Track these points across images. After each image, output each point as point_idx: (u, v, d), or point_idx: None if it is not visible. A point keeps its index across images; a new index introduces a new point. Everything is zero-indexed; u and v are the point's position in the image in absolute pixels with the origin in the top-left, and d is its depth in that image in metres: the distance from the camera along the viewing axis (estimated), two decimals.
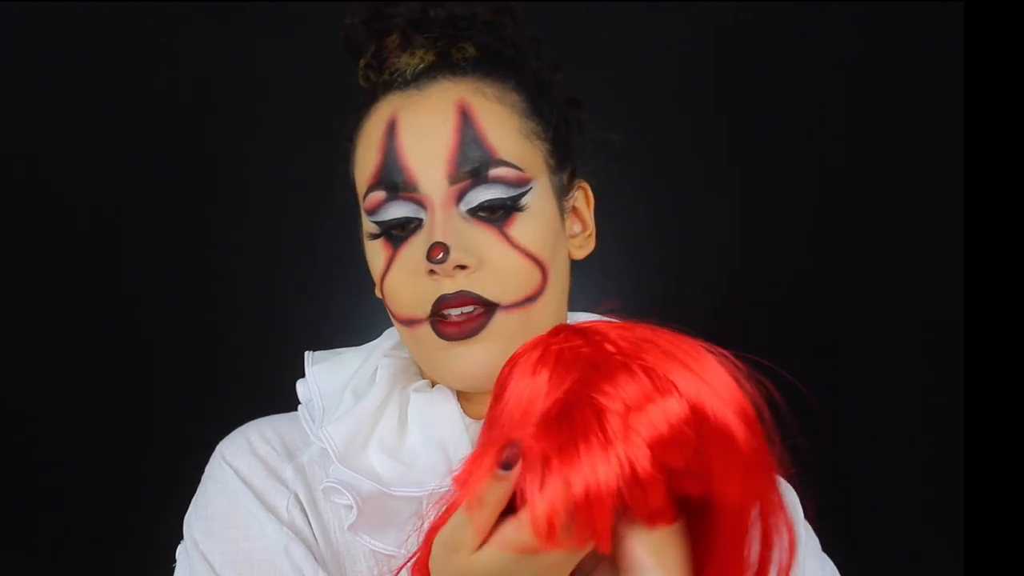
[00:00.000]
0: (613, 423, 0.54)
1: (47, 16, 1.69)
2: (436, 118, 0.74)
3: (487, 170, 0.73)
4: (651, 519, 0.57)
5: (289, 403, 0.86)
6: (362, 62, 0.81)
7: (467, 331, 0.73)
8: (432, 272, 0.73)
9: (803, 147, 1.67)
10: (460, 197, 0.73)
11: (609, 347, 0.57)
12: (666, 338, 0.58)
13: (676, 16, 1.67)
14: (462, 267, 0.72)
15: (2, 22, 1.69)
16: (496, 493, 0.53)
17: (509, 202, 0.74)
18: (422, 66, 0.77)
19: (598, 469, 0.53)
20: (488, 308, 0.73)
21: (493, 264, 0.73)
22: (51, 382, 1.74)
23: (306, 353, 0.85)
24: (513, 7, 0.81)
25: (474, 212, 0.74)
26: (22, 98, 1.71)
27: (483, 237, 0.73)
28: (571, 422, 0.54)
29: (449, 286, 0.72)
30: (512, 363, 0.60)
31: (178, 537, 0.80)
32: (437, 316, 0.73)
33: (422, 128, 0.74)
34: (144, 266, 1.74)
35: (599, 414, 0.54)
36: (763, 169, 1.67)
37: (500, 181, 0.73)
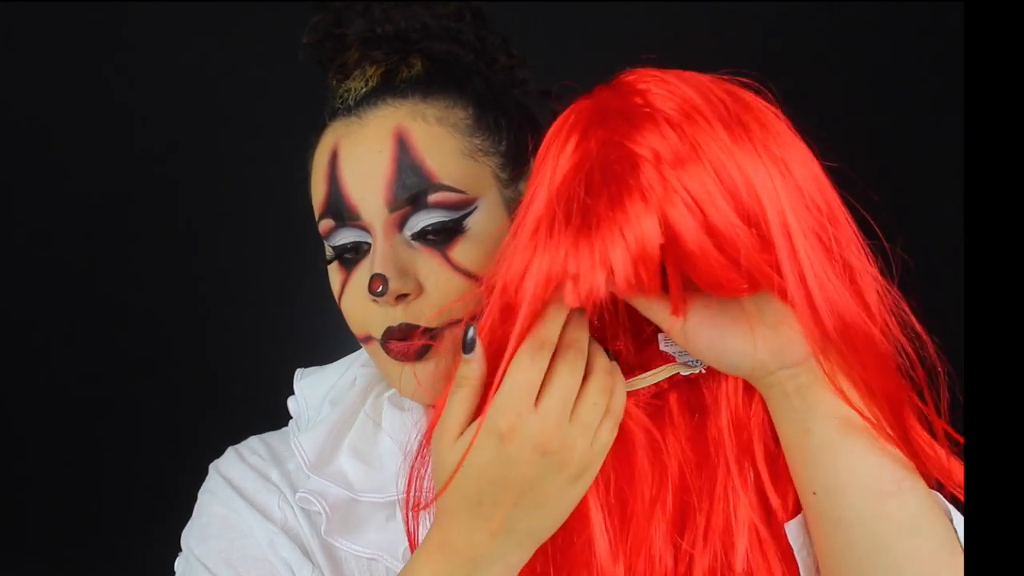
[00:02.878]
0: (647, 175, 0.54)
1: (38, 16, 1.69)
2: (373, 147, 0.74)
3: (426, 196, 0.73)
4: (712, 287, 0.56)
5: (285, 419, 0.88)
6: (329, 75, 0.81)
7: (411, 355, 0.74)
8: (375, 301, 0.74)
9: (815, 151, 1.66)
10: (402, 223, 0.74)
11: (638, 100, 0.56)
12: (727, 98, 0.57)
13: (678, 17, 1.67)
14: (403, 295, 0.73)
15: None
16: (467, 373, 0.58)
17: (451, 224, 0.74)
18: (364, 90, 0.77)
19: (640, 224, 0.53)
20: (428, 334, 0.74)
21: (434, 289, 0.74)
22: (51, 387, 1.74)
23: (296, 371, 0.88)
24: (476, 7, 0.81)
25: (417, 237, 0.74)
26: (15, 101, 1.71)
27: (425, 262, 0.74)
28: (610, 175, 0.54)
29: (393, 316, 0.74)
30: (548, 139, 0.60)
31: (175, 540, 0.81)
32: (385, 340, 0.75)
33: (360, 158, 0.75)
34: (137, 277, 1.74)
35: (634, 165, 0.54)
36: None
37: (440, 205, 0.74)
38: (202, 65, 1.71)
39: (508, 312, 0.59)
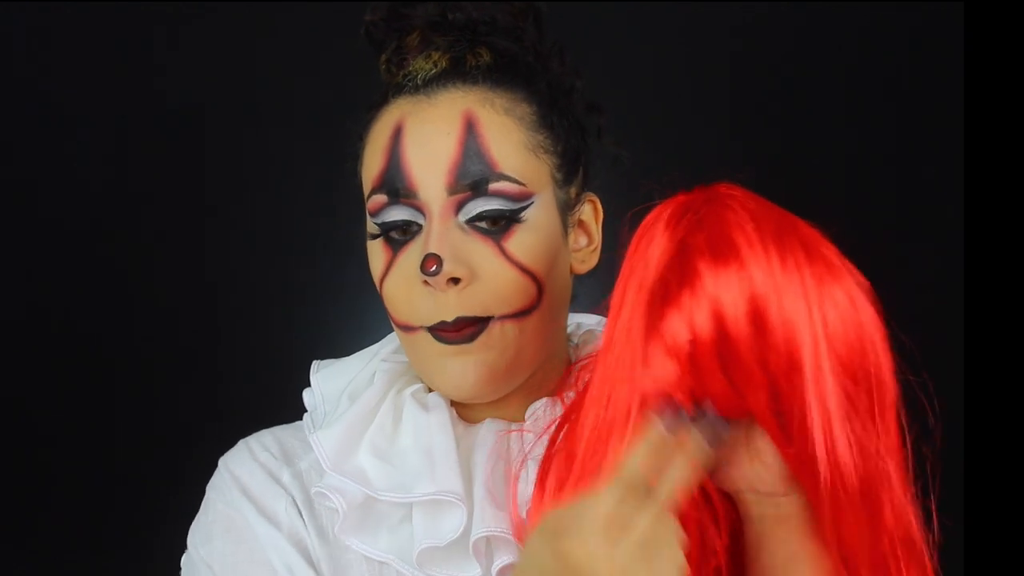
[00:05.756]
0: (695, 288, 0.56)
1: (42, 17, 1.69)
2: (442, 127, 0.74)
3: (487, 183, 0.73)
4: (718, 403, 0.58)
5: (294, 412, 0.86)
6: (383, 57, 0.81)
7: (462, 336, 0.74)
8: (426, 282, 0.73)
9: (817, 152, 1.66)
10: (459, 208, 0.74)
11: (730, 216, 0.59)
12: (802, 237, 0.59)
13: (683, 16, 1.67)
14: (455, 279, 0.73)
15: None
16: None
17: (508, 215, 0.74)
18: (434, 72, 0.77)
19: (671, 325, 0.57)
20: (481, 321, 0.74)
21: (487, 278, 0.74)
22: (53, 387, 1.74)
23: (313, 363, 0.86)
24: (537, 9, 0.81)
25: (472, 223, 0.74)
26: (18, 103, 1.71)
27: (479, 249, 0.74)
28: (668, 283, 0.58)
29: (444, 306, 0.73)
30: (643, 229, 0.62)
31: (180, 540, 0.81)
32: (435, 329, 0.75)
33: (427, 137, 0.75)
34: (145, 271, 1.74)
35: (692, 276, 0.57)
36: (776, 173, 1.67)
37: (500, 195, 0.74)
38: (204, 67, 1.71)
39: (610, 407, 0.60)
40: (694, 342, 0.56)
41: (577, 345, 0.86)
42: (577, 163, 0.82)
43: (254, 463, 0.80)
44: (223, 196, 1.73)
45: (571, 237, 0.81)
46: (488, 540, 0.73)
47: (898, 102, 1.67)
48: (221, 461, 0.82)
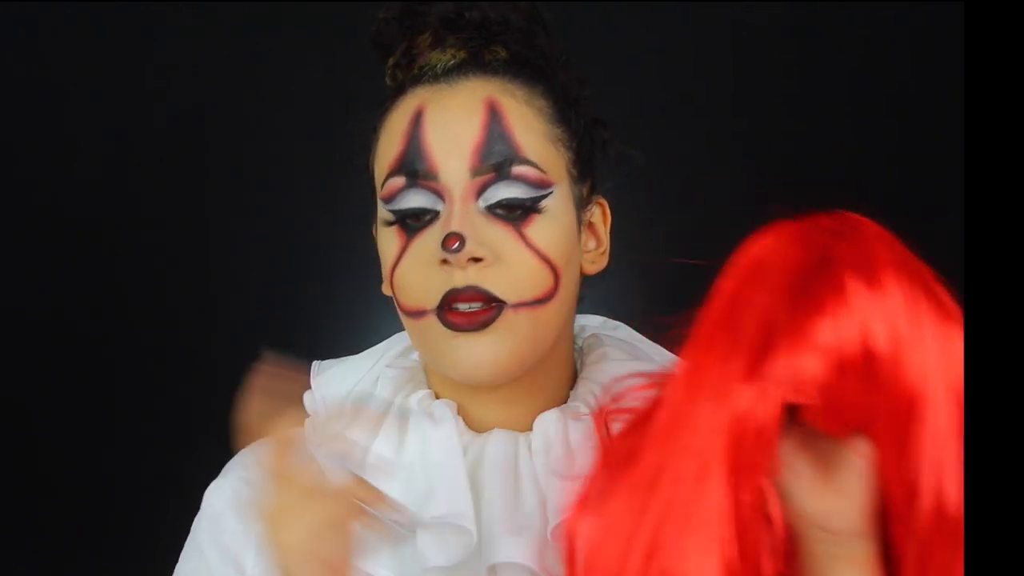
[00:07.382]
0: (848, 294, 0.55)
1: (42, 17, 1.69)
2: (464, 112, 0.74)
3: (511, 166, 0.73)
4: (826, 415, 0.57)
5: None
6: (391, 60, 0.80)
7: (475, 323, 0.72)
8: (445, 262, 0.72)
9: (816, 151, 1.66)
10: (480, 191, 0.73)
11: (869, 241, 0.59)
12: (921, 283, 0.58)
13: (686, 16, 1.67)
14: (476, 259, 0.72)
15: None
16: None
17: (529, 202, 0.74)
18: (453, 62, 0.77)
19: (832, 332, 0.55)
20: (496, 305, 0.72)
21: (507, 262, 0.72)
22: (53, 388, 1.74)
23: (313, 364, 0.84)
24: (544, 17, 0.81)
25: (493, 209, 0.73)
26: (17, 103, 1.71)
27: (500, 234, 0.73)
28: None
29: (460, 279, 0.72)
30: (764, 236, 0.60)
31: (180, 540, 0.81)
32: (445, 308, 0.73)
33: (449, 120, 0.74)
34: (145, 271, 1.74)
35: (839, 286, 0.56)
36: (779, 172, 1.67)
37: (522, 179, 0.73)
38: (204, 66, 1.71)
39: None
40: (841, 354, 0.55)
41: (582, 348, 0.85)
42: (590, 162, 0.81)
43: (235, 501, 0.79)
44: (223, 196, 1.73)
45: (582, 237, 0.80)
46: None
47: (898, 102, 1.67)
48: (205, 497, 0.81)
